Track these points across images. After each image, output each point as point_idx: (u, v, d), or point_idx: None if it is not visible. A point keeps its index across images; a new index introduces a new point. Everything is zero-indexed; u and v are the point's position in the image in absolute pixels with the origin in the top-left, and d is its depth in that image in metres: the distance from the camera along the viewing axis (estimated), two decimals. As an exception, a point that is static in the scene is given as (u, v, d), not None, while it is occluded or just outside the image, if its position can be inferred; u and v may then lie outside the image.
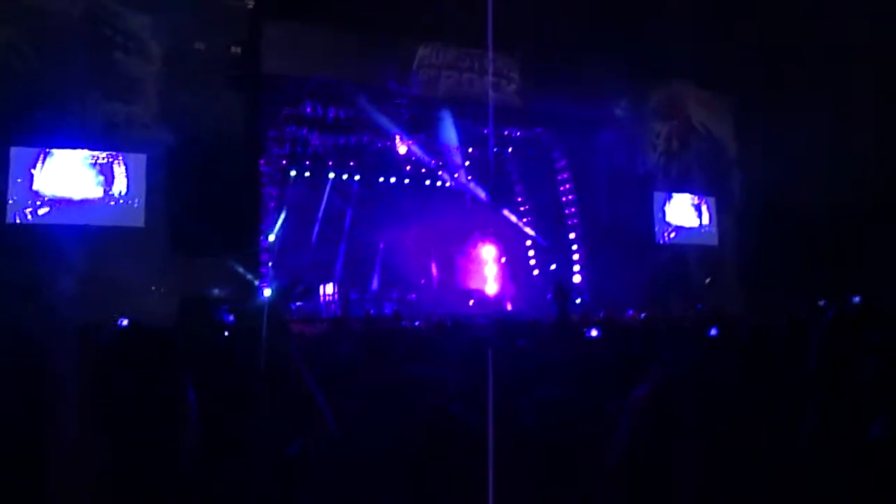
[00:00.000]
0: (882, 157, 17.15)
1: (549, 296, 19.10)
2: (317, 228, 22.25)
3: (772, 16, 17.78)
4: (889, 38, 15.74)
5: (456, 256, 24.37)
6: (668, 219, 22.45)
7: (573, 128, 21.05)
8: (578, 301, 21.19)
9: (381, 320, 16.87)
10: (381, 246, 23.11)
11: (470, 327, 9.26)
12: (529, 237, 24.17)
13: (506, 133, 21.75)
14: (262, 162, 18.32)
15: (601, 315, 15.24)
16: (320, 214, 22.41)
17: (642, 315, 14.32)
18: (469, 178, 24.05)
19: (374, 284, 22.60)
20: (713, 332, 5.75)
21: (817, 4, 16.84)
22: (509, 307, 22.54)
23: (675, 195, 22.48)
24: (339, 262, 22.41)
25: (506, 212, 23.74)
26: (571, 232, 22.50)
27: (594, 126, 20.69)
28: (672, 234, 22.40)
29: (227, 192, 15.50)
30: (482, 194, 22.90)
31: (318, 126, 19.80)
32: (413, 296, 22.37)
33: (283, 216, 20.24)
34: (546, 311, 17.75)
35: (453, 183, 23.94)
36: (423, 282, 23.45)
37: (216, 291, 14.16)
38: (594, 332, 7.19)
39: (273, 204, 19.41)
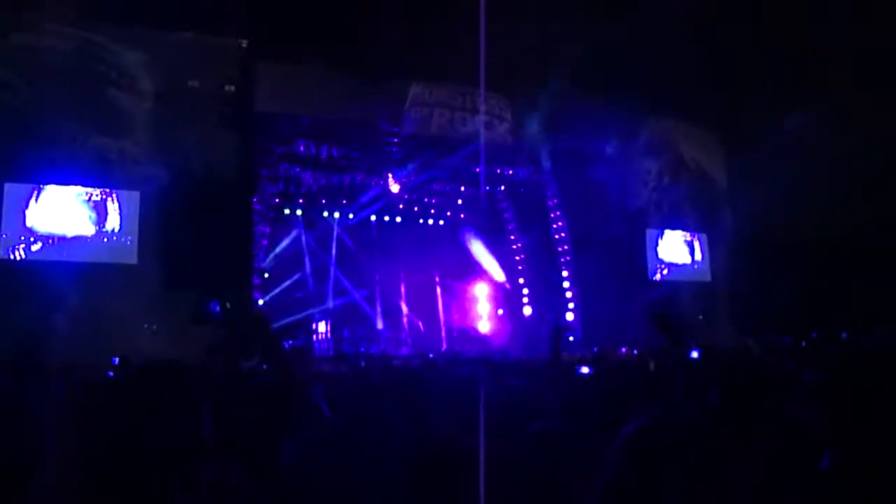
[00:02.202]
0: (875, 189, 17.21)
1: (544, 330, 19.06)
2: (309, 266, 22.26)
3: (761, 50, 17.93)
4: (883, 73, 15.95)
5: (449, 294, 24.40)
6: (660, 255, 22.54)
7: (565, 165, 21.09)
8: (571, 339, 21.11)
9: (373, 358, 16.83)
10: (375, 284, 23.10)
11: (461, 365, 9.22)
12: (523, 275, 24.22)
13: (498, 171, 21.81)
14: (254, 200, 18.35)
15: (594, 352, 15.19)
16: (313, 252, 22.42)
17: (635, 352, 14.21)
18: (462, 216, 24.34)
19: (377, 324, 22.60)
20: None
21: (809, 35, 16.96)
22: (501, 345, 22.44)
23: (667, 231, 22.57)
24: (334, 300, 22.44)
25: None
26: (564, 269, 22.52)
27: (586, 163, 20.64)
28: (665, 271, 22.51)
29: (220, 229, 15.53)
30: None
31: (310, 165, 19.85)
32: (404, 333, 22.42)
33: (274, 254, 20.39)
34: (539, 351, 17.66)
35: (445, 222, 24.18)
36: (416, 320, 23.43)
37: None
38: (585, 370, 7.13)
39: (266, 242, 19.45)
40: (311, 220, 22.33)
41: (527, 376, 6.72)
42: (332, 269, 22.62)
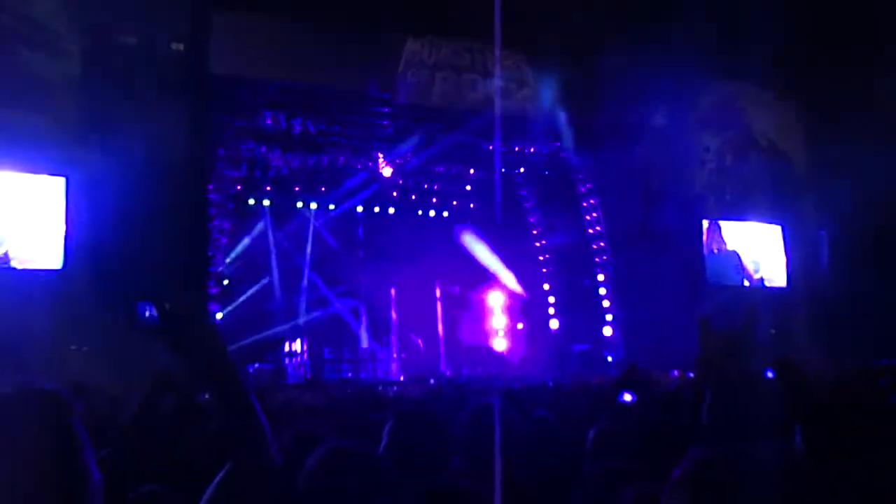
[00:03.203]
0: None
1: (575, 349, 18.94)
2: (279, 271, 22.40)
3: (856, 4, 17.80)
4: None
5: (455, 305, 24.59)
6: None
7: (602, 142, 21.02)
8: (610, 359, 21.30)
9: (360, 385, 16.85)
10: (362, 293, 23.29)
11: (475, 393, 9.21)
12: (548, 280, 24.38)
13: (517, 149, 21.86)
14: (210, 188, 18.40)
15: (638, 374, 15.20)
16: (284, 253, 22.59)
17: (690, 375, 14.23)
18: (471, 206, 24.55)
19: (363, 341, 22.88)
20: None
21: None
22: (522, 368, 22.60)
23: (729, 224, 22.55)
24: (310, 313, 22.58)
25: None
26: (600, 272, 22.63)
27: (628, 139, 20.59)
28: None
29: (167, 225, 15.45)
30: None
31: (280, 143, 19.95)
32: (403, 354, 22.66)
33: (236, 255, 20.59)
34: (568, 372, 17.66)
35: (450, 213, 24.47)
36: (413, 337, 23.57)
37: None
38: (628, 397, 7.16)
39: (225, 240, 19.57)
40: (282, 213, 22.49)
41: (556, 407, 6.88)
42: (307, 274, 22.77)
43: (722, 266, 22.05)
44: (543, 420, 5.44)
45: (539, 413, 5.77)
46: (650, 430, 4.18)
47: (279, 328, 20.99)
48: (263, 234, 22.07)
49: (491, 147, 20.95)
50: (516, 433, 3.94)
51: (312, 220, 22.94)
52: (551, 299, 24.52)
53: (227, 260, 20.05)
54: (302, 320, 22.12)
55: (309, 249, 22.84)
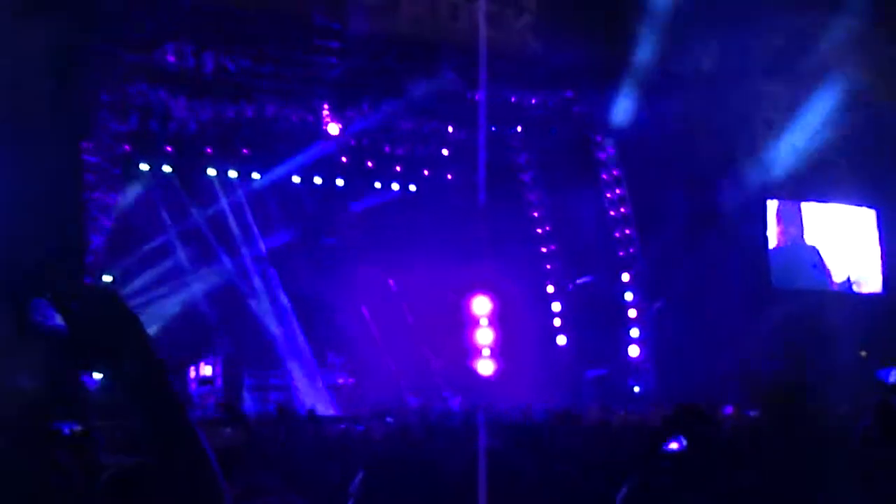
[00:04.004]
0: None
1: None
2: (182, 263, 22.34)
3: None
4: None
5: (423, 313, 24.29)
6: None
7: (630, 92, 20.75)
8: (637, 389, 21.39)
9: (294, 421, 16.71)
10: (297, 295, 23.24)
11: (460, 437, 9.55)
12: (551, 278, 24.28)
13: (513, 100, 21.79)
14: (86, 147, 18.24)
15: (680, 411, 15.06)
16: (190, 237, 22.50)
17: (750, 413, 14.03)
18: (449, 177, 24.49)
19: (290, 364, 22.80)
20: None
21: None
22: (515, 397, 22.25)
23: (805, 206, 22.35)
24: (225, 323, 22.50)
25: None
26: (625, 271, 22.53)
27: (666, 90, 20.30)
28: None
29: (28, 199, 15.12)
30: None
31: (187, 86, 19.89)
32: (351, 380, 22.57)
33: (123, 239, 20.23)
34: (581, 402, 17.51)
35: (419, 187, 24.45)
36: (369, 356, 23.45)
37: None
38: (675, 445, 6.99)
39: (107, 221, 19.41)
40: (188, 183, 22.40)
41: (571, 456, 7.25)
42: (224, 269, 22.77)
43: (794, 263, 21.94)
44: (566, 475, 5.61)
45: (558, 467, 5.87)
46: (705, 490, 4.44)
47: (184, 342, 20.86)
48: (162, 211, 21.94)
49: (477, 97, 20.67)
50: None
51: (229, 194, 22.90)
52: (556, 307, 24.39)
53: (114, 246, 19.92)
54: (218, 331, 22.24)
55: (229, 234, 22.88)
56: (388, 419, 16.96)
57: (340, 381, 22.57)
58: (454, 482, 4.11)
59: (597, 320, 22.76)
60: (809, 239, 22.20)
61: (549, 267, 24.52)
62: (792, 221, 22.08)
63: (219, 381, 20.54)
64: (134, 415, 2.14)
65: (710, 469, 5.21)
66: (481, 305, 24.46)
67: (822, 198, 22.14)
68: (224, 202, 22.86)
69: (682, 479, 5.02)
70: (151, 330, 19.34)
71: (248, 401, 20.84)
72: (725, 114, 20.56)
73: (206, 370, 20.64)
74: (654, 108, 20.61)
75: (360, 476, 3.62)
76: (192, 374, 20.56)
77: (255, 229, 23.11)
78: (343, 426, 16.38)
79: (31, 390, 3.76)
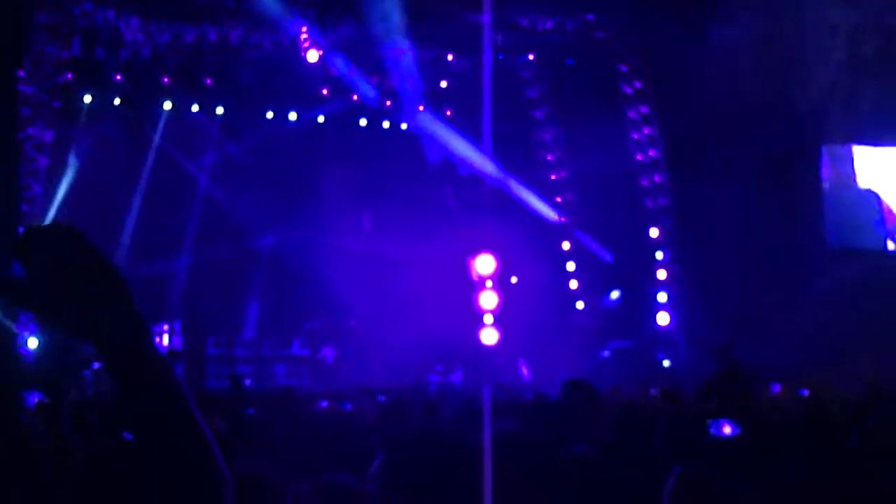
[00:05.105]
0: None
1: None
2: (137, 214, 22.50)
3: None
4: None
5: (414, 273, 24.15)
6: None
7: (657, 18, 20.90)
8: (667, 363, 21.57)
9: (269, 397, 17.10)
10: (261, 247, 23.62)
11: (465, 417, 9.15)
12: (568, 236, 24.22)
13: (524, 24, 21.70)
14: (20, 75, 18.24)
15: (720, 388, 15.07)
16: (145, 187, 22.62)
17: (803, 392, 14.09)
18: (448, 114, 24.38)
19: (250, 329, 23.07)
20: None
21: None
22: (523, 374, 22.72)
23: (866, 151, 22.18)
24: (185, 282, 22.95)
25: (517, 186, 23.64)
26: (654, 225, 22.59)
27: (705, 12, 20.36)
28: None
29: None
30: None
31: (138, 4, 19.79)
32: (333, 351, 22.72)
33: (67, 185, 20.58)
34: (602, 381, 17.54)
35: (413, 125, 24.23)
36: (352, 323, 23.67)
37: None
38: (728, 429, 7.39)
39: (45, 161, 19.67)
40: (141, 118, 22.51)
41: (593, 435, 7.41)
42: (190, 217, 23.06)
43: (852, 215, 21.84)
44: (585, 459, 5.63)
45: (578, 447, 5.86)
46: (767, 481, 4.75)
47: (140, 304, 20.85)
48: (112, 153, 21.96)
49: (481, 18, 20.47)
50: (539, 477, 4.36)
51: (193, 131, 23.04)
52: (572, 266, 24.35)
53: (52, 193, 19.98)
54: (176, 291, 22.67)
55: (189, 182, 23.19)
56: (380, 397, 17.01)
57: (319, 352, 22.68)
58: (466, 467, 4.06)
59: (620, 282, 22.78)
60: (867, 187, 22.06)
61: (563, 221, 24.29)
62: (848, 166, 21.86)
63: (178, 346, 20.73)
64: (112, 382, 2.01)
65: (766, 457, 5.65)
66: (484, 265, 24.26)
67: (884, 141, 22.00)
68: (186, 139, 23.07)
69: (737, 470, 5.29)
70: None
71: (209, 374, 21.11)
72: (773, 42, 20.53)
73: (164, 339, 20.72)
74: (692, 34, 20.49)
75: (378, 460, 3.78)
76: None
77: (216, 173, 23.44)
78: (325, 404, 16.36)
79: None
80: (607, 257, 23.46)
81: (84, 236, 1.98)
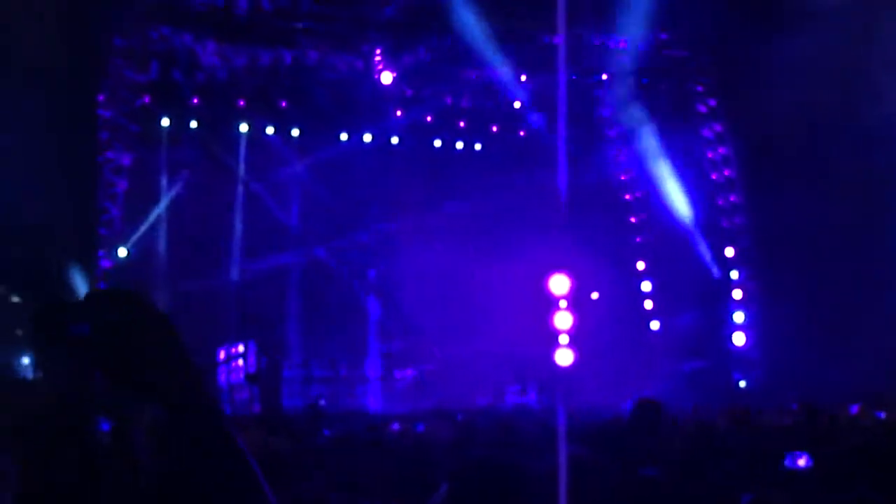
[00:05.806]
0: None
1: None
2: (215, 238, 22.57)
3: None
4: None
5: (490, 294, 24.24)
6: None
7: (734, 32, 20.60)
8: (743, 384, 21.31)
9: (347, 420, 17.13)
10: (344, 268, 23.49)
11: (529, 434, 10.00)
12: (643, 256, 24.28)
13: (597, 43, 21.67)
14: (99, 100, 18.42)
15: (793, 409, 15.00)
16: (217, 204, 22.74)
17: (880, 414, 13.99)
18: (521, 134, 24.49)
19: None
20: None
21: None
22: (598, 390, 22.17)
23: None
24: (258, 301, 22.69)
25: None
26: (730, 244, 22.46)
27: (780, 26, 20.08)
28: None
29: (31, 159, 15.42)
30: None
31: (215, 28, 19.98)
32: (412, 372, 22.84)
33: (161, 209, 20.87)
34: (677, 402, 17.50)
35: (486, 145, 24.49)
36: (434, 351, 23.62)
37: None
38: (802, 462, 7.18)
39: (124, 184, 19.72)
40: (219, 140, 22.64)
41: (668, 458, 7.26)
42: (271, 238, 23.02)
43: None
44: (654, 482, 5.79)
45: (648, 471, 6.02)
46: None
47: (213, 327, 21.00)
48: (191, 173, 22.06)
49: (555, 39, 20.56)
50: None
51: (270, 153, 23.08)
52: (647, 286, 24.25)
53: (134, 215, 20.21)
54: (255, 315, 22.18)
55: (267, 201, 23.10)
56: (459, 417, 17.05)
57: (397, 373, 22.72)
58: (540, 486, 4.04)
59: (695, 303, 22.65)
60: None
61: (638, 241, 24.27)
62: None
63: (253, 366, 20.57)
64: (167, 425, 2.11)
65: (839, 483, 5.51)
66: (559, 285, 24.22)
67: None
68: (263, 161, 23.16)
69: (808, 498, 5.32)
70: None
71: (286, 396, 21.05)
72: (849, 58, 20.35)
73: (240, 360, 20.63)
74: (769, 50, 20.37)
75: (443, 488, 3.63)
76: (222, 355, 20.73)
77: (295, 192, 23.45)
78: (396, 426, 16.44)
79: (61, 392, 3.86)
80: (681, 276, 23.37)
81: (142, 298, 2.09)
